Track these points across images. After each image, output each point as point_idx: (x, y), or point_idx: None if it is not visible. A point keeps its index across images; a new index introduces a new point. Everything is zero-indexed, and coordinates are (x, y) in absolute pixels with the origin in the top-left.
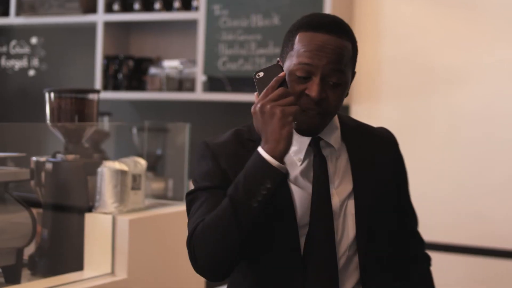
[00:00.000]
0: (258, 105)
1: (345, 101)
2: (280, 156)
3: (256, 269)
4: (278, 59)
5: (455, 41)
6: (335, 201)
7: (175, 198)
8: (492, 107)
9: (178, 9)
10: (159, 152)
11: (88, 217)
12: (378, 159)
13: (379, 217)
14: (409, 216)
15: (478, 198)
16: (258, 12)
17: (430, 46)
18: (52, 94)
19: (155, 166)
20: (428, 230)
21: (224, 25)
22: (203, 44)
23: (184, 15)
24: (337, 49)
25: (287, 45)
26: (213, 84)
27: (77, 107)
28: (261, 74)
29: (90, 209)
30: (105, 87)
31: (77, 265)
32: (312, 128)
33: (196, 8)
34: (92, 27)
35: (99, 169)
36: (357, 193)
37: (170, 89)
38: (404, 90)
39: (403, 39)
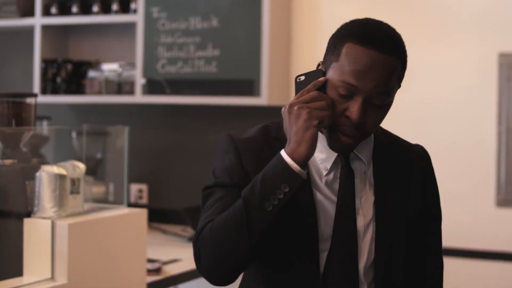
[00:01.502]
0: (287, 106)
1: None
2: (301, 159)
3: (272, 279)
4: (319, 62)
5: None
6: (361, 220)
7: (116, 202)
8: (430, 106)
9: (116, 12)
10: (99, 156)
11: (27, 222)
12: (406, 181)
13: (401, 243)
14: (433, 258)
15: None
16: (197, 14)
17: None
18: None
19: (95, 170)
20: None
21: (162, 28)
22: (142, 46)
23: (123, 17)
24: (386, 70)
25: (332, 52)
26: (152, 86)
27: (14, 111)
28: (302, 78)
29: (29, 214)
30: (44, 90)
31: (17, 270)
32: (345, 148)
33: (135, 11)
34: (30, 31)
35: (37, 174)
36: (379, 214)
37: (109, 92)
38: None
39: None
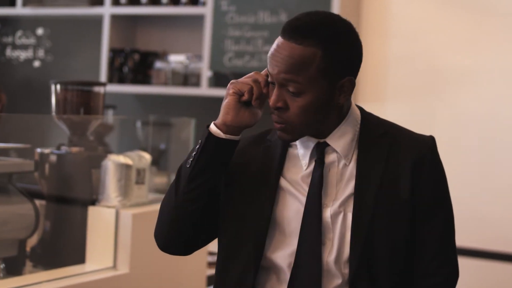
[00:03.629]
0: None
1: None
2: (218, 123)
3: (224, 265)
4: None
5: (463, 42)
6: (327, 211)
7: None
8: (497, 110)
9: (185, 4)
10: (162, 146)
11: (91, 210)
12: (392, 173)
13: (380, 238)
14: (433, 259)
15: (482, 200)
16: (266, 8)
17: (437, 46)
18: (58, 86)
19: (158, 161)
20: None
21: (231, 21)
22: (209, 39)
23: (191, 9)
24: (289, 57)
25: None
26: (218, 79)
27: (83, 100)
28: None
29: (93, 202)
30: (110, 80)
31: (79, 258)
32: (282, 136)
33: (204, 3)
34: (98, 20)
35: (104, 163)
36: (357, 207)
37: (175, 83)
38: (410, 90)
39: (410, 38)
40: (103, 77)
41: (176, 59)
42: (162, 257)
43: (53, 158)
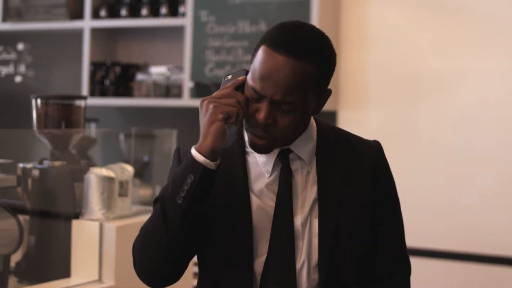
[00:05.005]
0: (201, 100)
1: (332, 107)
2: (206, 151)
3: (210, 285)
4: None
5: (441, 48)
6: (298, 219)
7: None
8: (477, 114)
9: (165, 15)
10: (146, 158)
11: (75, 224)
12: (352, 177)
13: (347, 242)
14: (390, 261)
15: (462, 204)
16: (245, 18)
17: (416, 52)
18: (39, 100)
19: (142, 173)
20: (411, 236)
21: (211, 31)
22: (190, 50)
23: (171, 21)
24: (291, 75)
25: (253, 53)
26: (200, 90)
27: (64, 114)
28: (229, 77)
29: (77, 216)
30: (92, 93)
31: (64, 272)
32: (260, 148)
33: (183, 14)
34: (78, 33)
35: (86, 176)
36: (323, 213)
37: (157, 95)
38: (390, 97)
39: (389, 45)
40: (84, 90)
41: (157, 71)
42: None
43: (35, 172)
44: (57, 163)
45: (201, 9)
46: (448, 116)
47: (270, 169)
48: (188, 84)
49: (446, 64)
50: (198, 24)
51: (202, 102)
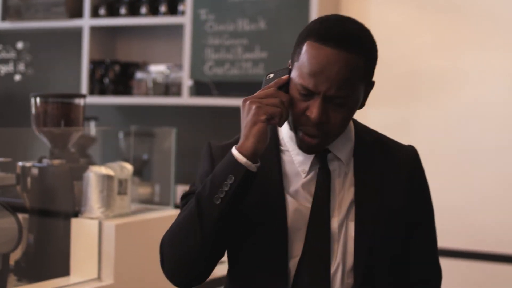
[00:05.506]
0: (242, 100)
1: None
2: (248, 153)
3: (242, 286)
4: (289, 61)
5: (441, 47)
6: (334, 221)
7: (162, 203)
8: (477, 113)
9: (164, 14)
10: (145, 157)
11: (75, 222)
12: (388, 181)
13: (382, 246)
14: (423, 266)
15: (464, 202)
16: (244, 16)
17: (416, 51)
18: (38, 99)
19: (141, 171)
20: None
21: (210, 30)
22: (189, 48)
23: (171, 19)
24: (343, 68)
25: (295, 51)
26: (199, 88)
27: (63, 112)
28: (271, 75)
29: (76, 214)
30: (92, 91)
31: (63, 270)
32: (311, 148)
33: (183, 13)
34: (78, 32)
35: (85, 174)
36: (359, 216)
37: (156, 93)
38: (390, 95)
39: (390, 44)
40: (84, 89)
41: (157, 69)
42: (146, 267)
43: (34, 171)
44: (56, 162)
45: (200, 8)
46: (448, 115)
47: (307, 168)
48: (187, 83)
49: (445, 63)
50: (197, 22)
51: (244, 102)
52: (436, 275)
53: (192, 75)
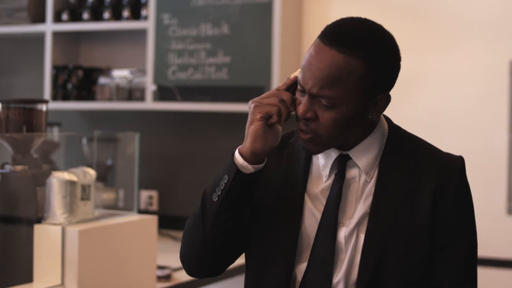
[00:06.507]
0: (250, 101)
1: None
2: (246, 153)
3: (250, 283)
4: None
5: (403, 49)
6: (342, 231)
7: (126, 208)
8: (441, 115)
9: (128, 18)
10: (109, 162)
11: (37, 228)
12: (414, 194)
13: (394, 264)
14: None
15: None
16: (207, 21)
17: None
18: None
19: (105, 176)
20: None
21: (173, 34)
22: (152, 53)
23: (134, 24)
24: (328, 67)
25: None
26: (163, 93)
27: (25, 118)
28: (292, 76)
29: (39, 220)
30: (55, 97)
31: (27, 277)
32: (305, 145)
33: (145, 17)
34: (40, 37)
35: (48, 180)
36: (371, 228)
37: (120, 98)
38: None
39: None
40: (47, 94)
41: (120, 74)
42: (110, 273)
43: None
44: (18, 168)
45: (163, 12)
46: (411, 118)
47: (327, 173)
48: (151, 87)
49: (408, 65)
50: (160, 27)
51: (250, 103)
52: None
53: (156, 80)
